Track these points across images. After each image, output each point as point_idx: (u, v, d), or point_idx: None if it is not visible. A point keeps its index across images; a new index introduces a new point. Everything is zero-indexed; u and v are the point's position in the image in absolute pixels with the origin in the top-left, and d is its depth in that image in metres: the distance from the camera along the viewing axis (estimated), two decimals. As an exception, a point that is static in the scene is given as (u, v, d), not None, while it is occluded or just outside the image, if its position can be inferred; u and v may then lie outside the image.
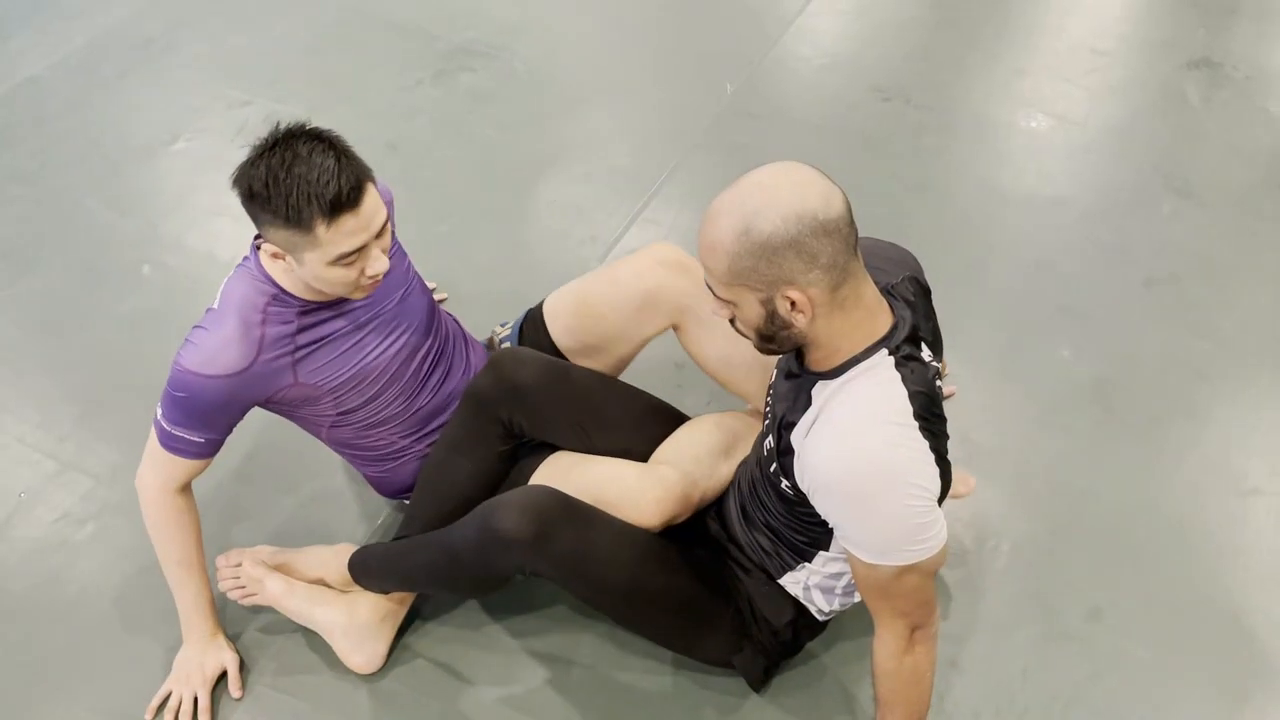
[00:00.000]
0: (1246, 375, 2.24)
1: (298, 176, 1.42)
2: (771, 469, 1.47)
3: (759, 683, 1.72)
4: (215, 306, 1.61)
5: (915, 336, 1.36)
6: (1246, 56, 3.12)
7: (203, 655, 1.74)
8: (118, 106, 2.98)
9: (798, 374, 1.40)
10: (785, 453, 1.40)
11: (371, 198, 1.49)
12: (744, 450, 1.75)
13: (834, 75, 3.07)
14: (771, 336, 1.33)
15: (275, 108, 2.95)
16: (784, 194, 1.23)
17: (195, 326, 1.60)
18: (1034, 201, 2.66)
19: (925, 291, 1.52)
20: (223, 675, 1.75)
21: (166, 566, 1.72)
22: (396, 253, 1.76)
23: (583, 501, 1.58)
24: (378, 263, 1.53)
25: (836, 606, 1.62)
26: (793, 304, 1.26)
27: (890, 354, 1.31)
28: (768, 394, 1.54)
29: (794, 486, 1.41)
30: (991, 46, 3.20)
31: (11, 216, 2.64)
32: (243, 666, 1.77)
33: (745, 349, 1.62)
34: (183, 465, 1.65)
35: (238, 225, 2.52)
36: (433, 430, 1.80)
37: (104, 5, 3.35)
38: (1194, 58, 3.10)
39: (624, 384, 1.84)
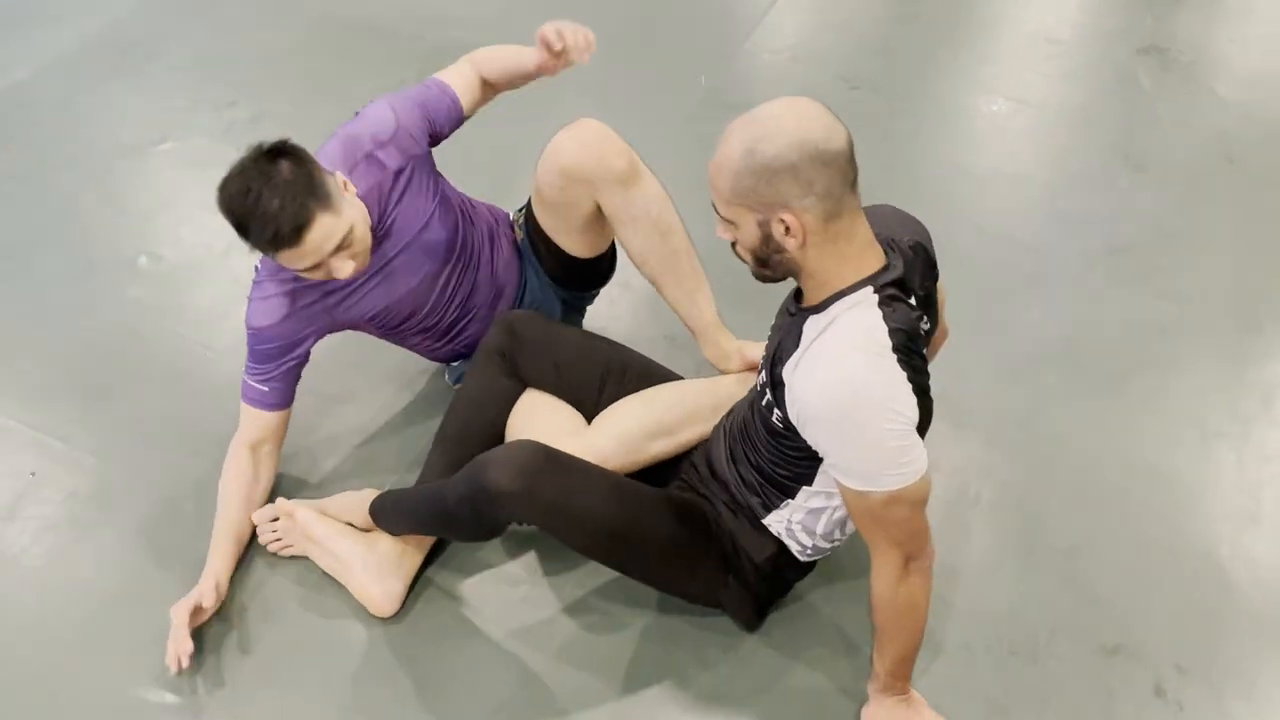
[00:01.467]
0: (1206, 331, 2.36)
1: (247, 210, 1.61)
2: (764, 402, 1.56)
3: (750, 622, 1.80)
4: (258, 264, 1.87)
5: (903, 284, 1.45)
6: (1192, 42, 3.28)
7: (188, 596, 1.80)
8: (105, 109, 3.03)
9: (794, 312, 1.49)
10: (776, 385, 1.49)
11: (318, 230, 1.63)
12: (698, 424, 1.86)
13: (804, 67, 3.19)
14: (766, 260, 1.43)
15: (262, 107, 3.02)
16: (790, 122, 1.33)
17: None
18: (998, 179, 2.78)
19: (929, 260, 1.59)
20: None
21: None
22: (419, 184, 1.87)
23: (567, 454, 1.68)
24: (340, 270, 1.71)
25: (818, 543, 1.69)
26: (786, 228, 1.36)
27: (875, 291, 1.40)
28: (769, 335, 1.63)
29: (784, 418, 1.50)
30: (953, 37, 3.33)
31: (7, 214, 2.69)
32: (216, 616, 1.84)
33: (661, 250, 1.85)
34: (252, 415, 1.90)
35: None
36: (456, 336, 2.04)
37: (86, 13, 3.40)
38: (1144, 44, 3.25)
39: (616, 346, 1.98)
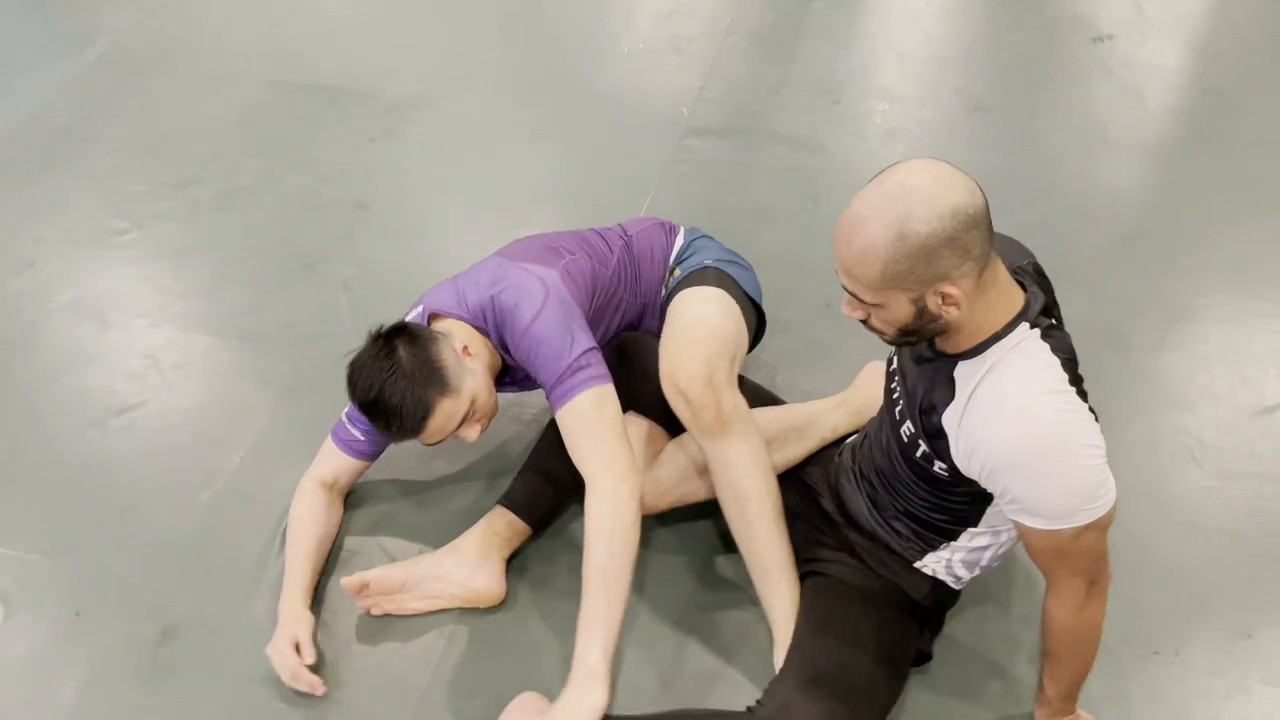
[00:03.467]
0: (1231, 304, 2.42)
1: (371, 406, 1.65)
2: (918, 454, 1.48)
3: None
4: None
5: (1049, 310, 1.41)
6: (1140, 26, 3.37)
7: (277, 636, 1.76)
8: (52, 202, 2.80)
9: (930, 358, 1.42)
10: (935, 436, 1.42)
11: (439, 417, 1.65)
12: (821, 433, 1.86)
13: (784, 85, 3.16)
14: (915, 330, 1.35)
15: (225, 182, 2.84)
16: (932, 192, 1.24)
17: None
18: (991, 181, 2.78)
19: (1047, 278, 1.56)
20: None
21: None
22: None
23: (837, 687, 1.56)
24: (467, 437, 1.73)
25: (976, 574, 1.65)
26: (943, 298, 1.28)
27: (1033, 326, 1.35)
28: (891, 379, 1.57)
29: (951, 469, 1.43)
30: (910, 43, 3.36)
31: (-29, 329, 2.45)
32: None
33: (737, 518, 1.75)
34: (336, 456, 1.89)
35: (217, 303, 2.42)
36: None
37: (5, 103, 3.15)
38: (1097, 34, 3.33)
39: None
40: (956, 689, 1.74)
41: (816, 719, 1.48)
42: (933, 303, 1.29)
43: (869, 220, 1.26)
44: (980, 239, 1.26)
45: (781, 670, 1.60)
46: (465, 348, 1.71)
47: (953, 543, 1.59)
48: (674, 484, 1.87)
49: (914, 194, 1.24)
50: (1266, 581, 1.88)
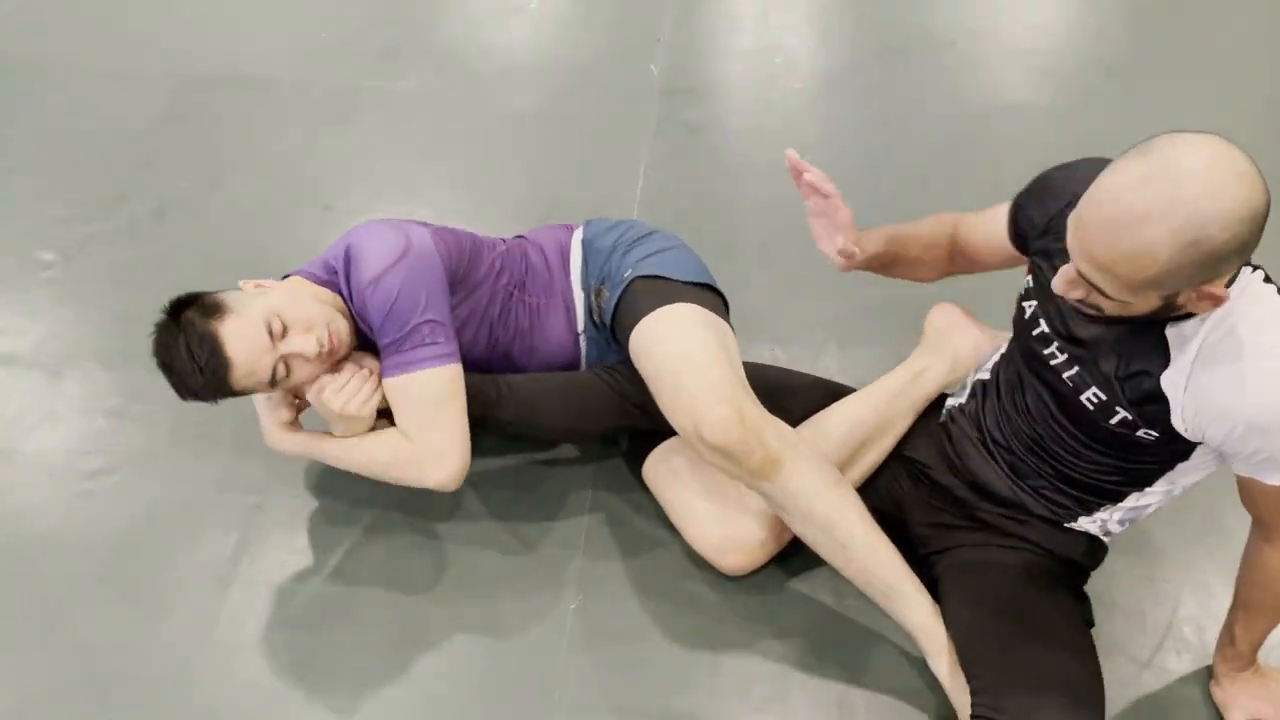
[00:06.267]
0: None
1: (170, 371, 1.57)
2: (1112, 421, 1.35)
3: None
4: None
5: None
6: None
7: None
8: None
9: (1124, 318, 1.25)
10: (1148, 401, 1.29)
11: (235, 348, 1.53)
12: (900, 424, 1.71)
13: (729, 28, 2.98)
14: (1145, 321, 1.23)
15: (160, 195, 2.50)
16: (1232, 192, 1.06)
17: None
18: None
19: None
20: None
21: None
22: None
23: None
24: (304, 347, 1.57)
25: (1129, 529, 1.56)
26: (1200, 294, 1.15)
27: (1254, 270, 1.24)
28: (1046, 344, 1.40)
29: (1165, 432, 1.31)
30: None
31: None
32: None
33: (828, 546, 1.59)
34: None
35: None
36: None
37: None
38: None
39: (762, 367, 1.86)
40: (1104, 646, 1.59)
41: None
42: (1186, 298, 1.16)
43: (1150, 219, 1.08)
44: (1261, 233, 1.12)
45: (994, 685, 1.43)
46: (256, 284, 1.66)
47: (1117, 504, 1.49)
48: None
49: (1209, 193, 1.06)
50: None
